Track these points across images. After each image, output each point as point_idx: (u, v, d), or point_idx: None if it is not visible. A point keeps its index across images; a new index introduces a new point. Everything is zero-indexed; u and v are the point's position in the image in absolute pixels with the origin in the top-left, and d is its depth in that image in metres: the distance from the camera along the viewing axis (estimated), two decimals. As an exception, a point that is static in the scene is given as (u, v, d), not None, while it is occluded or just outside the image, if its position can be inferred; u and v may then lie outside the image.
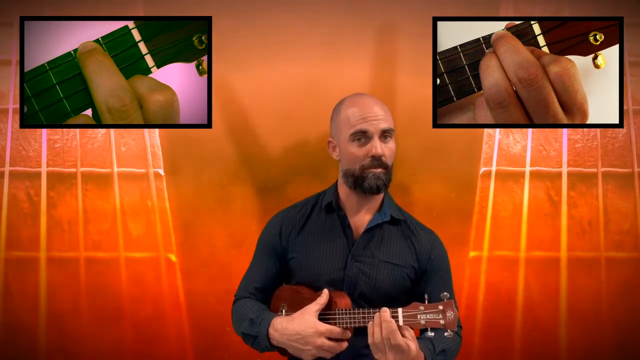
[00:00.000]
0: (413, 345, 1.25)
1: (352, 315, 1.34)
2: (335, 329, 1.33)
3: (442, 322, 1.26)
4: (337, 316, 1.35)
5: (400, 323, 1.27)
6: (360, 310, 1.34)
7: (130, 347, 1.97)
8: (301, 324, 1.33)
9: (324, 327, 1.32)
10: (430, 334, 1.26)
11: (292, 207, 1.57)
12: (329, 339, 1.32)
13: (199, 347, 1.99)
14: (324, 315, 1.36)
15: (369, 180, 1.40)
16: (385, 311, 1.26)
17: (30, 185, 1.97)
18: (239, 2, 1.95)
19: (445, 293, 1.27)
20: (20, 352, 1.96)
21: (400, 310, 1.28)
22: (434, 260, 1.48)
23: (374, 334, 1.26)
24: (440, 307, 1.27)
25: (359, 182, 1.41)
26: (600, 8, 1.92)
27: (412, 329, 1.28)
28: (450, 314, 1.26)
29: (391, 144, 1.42)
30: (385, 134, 1.41)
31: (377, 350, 1.27)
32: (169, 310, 1.98)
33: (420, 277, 1.47)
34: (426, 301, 1.28)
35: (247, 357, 1.90)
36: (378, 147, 1.39)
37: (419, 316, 1.27)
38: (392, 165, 1.44)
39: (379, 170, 1.40)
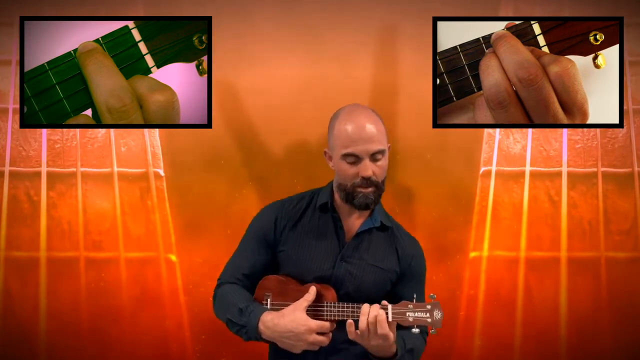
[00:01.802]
0: (392, 336, 1.35)
1: (340, 309, 1.40)
2: (325, 325, 1.38)
3: (429, 320, 1.33)
4: (325, 309, 1.41)
5: (390, 319, 1.34)
6: (348, 304, 1.40)
7: (130, 347, 1.97)
8: (293, 321, 1.37)
9: (315, 323, 1.37)
10: (416, 330, 1.34)
11: (287, 200, 1.59)
12: (318, 333, 1.38)
13: (199, 347, 1.99)
14: (313, 308, 1.41)
15: (359, 198, 1.45)
16: (376, 306, 1.35)
17: (30, 185, 1.96)
18: (239, 2, 1.95)
19: (433, 294, 1.35)
20: (20, 352, 1.96)
21: (390, 306, 1.35)
22: (413, 267, 1.56)
23: (360, 323, 1.34)
24: (428, 307, 1.34)
25: (349, 198, 1.47)
26: (600, 8, 1.92)
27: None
28: (437, 313, 1.33)
29: (382, 162, 1.45)
30: (375, 154, 1.44)
31: (360, 338, 1.35)
32: (169, 311, 1.98)
33: (400, 279, 1.54)
34: (414, 300, 1.35)
35: (246, 357, 1.90)
36: (368, 169, 1.43)
37: (407, 314, 1.34)
38: (384, 179, 1.48)
39: (369, 190, 1.45)
